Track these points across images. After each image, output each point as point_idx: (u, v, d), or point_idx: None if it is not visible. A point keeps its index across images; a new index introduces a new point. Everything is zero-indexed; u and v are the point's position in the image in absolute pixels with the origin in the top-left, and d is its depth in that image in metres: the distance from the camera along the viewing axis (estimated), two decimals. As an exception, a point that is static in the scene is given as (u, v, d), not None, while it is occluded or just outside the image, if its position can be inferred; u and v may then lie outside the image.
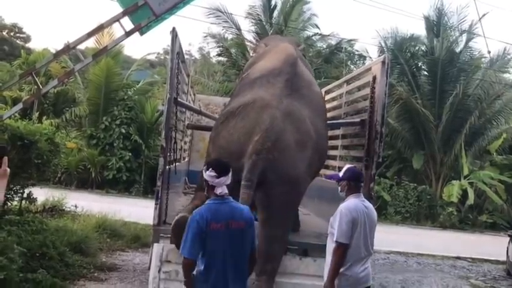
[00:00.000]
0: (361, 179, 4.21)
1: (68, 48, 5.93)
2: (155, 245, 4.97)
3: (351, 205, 4.01)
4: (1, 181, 2.79)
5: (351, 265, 3.95)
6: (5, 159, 2.85)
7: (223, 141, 4.83)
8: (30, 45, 37.64)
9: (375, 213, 4.18)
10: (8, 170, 2.88)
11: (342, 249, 3.92)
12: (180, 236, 4.08)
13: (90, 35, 5.71)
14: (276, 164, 4.48)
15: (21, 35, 41.36)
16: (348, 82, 7.07)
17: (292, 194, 4.74)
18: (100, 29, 5.83)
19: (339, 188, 4.21)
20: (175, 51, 5.25)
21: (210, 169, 3.36)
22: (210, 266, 3.31)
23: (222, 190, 3.36)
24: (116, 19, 5.69)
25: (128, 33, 5.75)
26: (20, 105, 6.10)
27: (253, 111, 4.74)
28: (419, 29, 32.58)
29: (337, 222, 3.96)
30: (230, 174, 3.39)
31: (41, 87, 6.11)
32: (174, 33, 5.13)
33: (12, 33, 40.46)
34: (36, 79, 5.89)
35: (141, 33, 5.93)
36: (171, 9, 5.74)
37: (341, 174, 4.20)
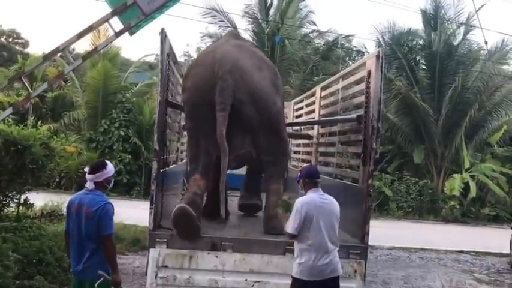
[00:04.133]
0: (316, 175, 4.41)
1: (58, 50, 5.86)
2: (151, 250, 4.92)
3: (305, 199, 4.26)
4: None
5: (315, 258, 4.09)
6: None
7: (189, 91, 5.47)
8: (28, 50, 37.56)
9: (335, 206, 4.32)
10: None
11: (291, 239, 4.32)
12: (181, 226, 4.90)
13: (79, 36, 5.64)
14: (243, 82, 5.17)
15: (19, 41, 41.29)
16: (343, 78, 6.99)
17: (266, 111, 5.40)
18: (89, 29, 5.75)
19: (299, 187, 4.49)
20: (166, 52, 5.18)
21: (86, 167, 4.25)
22: (71, 241, 4.15)
23: (87, 185, 4.13)
24: (105, 19, 5.62)
25: (118, 34, 5.68)
26: (10, 110, 6.05)
27: (206, 57, 5.59)
28: (417, 23, 32.40)
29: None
30: (98, 174, 4.09)
31: (31, 90, 6.04)
32: (163, 35, 5.07)
33: (10, 39, 40.39)
34: (26, 83, 5.83)
35: (131, 33, 5.86)
36: (161, 8, 5.67)
37: (298, 174, 4.50)
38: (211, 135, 5.23)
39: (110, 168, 4.21)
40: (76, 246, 4.10)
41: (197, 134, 5.53)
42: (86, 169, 4.17)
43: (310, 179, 4.35)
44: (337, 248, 4.26)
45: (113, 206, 4.12)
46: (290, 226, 4.19)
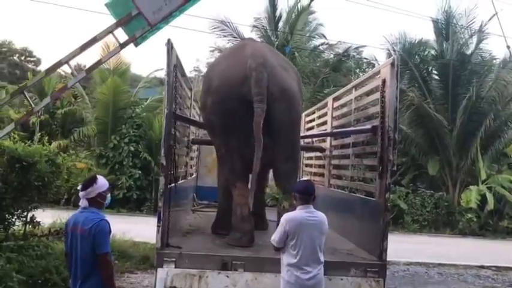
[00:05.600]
0: (308, 192, 4.34)
1: (61, 63, 5.73)
2: (159, 270, 4.69)
3: (290, 215, 4.30)
4: None
5: (297, 274, 4.13)
6: None
7: (218, 85, 5.35)
8: (40, 68, 37.95)
9: (323, 224, 4.31)
10: None
11: (275, 251, 4.41)
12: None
13: (83, 48, 5.51)
14: (274, 78, 5.12)
15: (31, 59, 41.79)
16: (356, 88, 6.77)
17: (292, 110, 5.39)
18: (93, 41, 5.61)
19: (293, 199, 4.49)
20: (172, 63, 5.00)
21: (79, 185, 4.05)
22: (70, 263, 3.98)
23: (81, 202, 3.96)
24: (109, 31, 5.49)
25: (123, 45, 5.55)
26: (12, 125, 5.92)
27: (235, 52, 5.70)
28: (428, 33, 32.17)
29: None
30: (89, 189, 3.91)
31: (33, 105, 5.93)
32: (169, 45, 4.89)
33: (22, 58, 40.91)
34: (28, 97, 5.70)
35: (136, 45, 5.73)
36: (167, 18, 5.52)
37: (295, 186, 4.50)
38: (242, 133, 5.11)
39: (102, 182, 3.99)
40: (73, 268, 3.89)
41: (226, 133, 5.34)
42: (79, 187, 3.99)
43: (302, 195, 4.33)
44: (322, 265, 4.27)
45: (108, 223, 3.89)
46: (275, 239, 4.32)
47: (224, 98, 5.22)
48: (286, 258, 4.22)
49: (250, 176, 5.32)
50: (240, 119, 5.12)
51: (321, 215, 4.33)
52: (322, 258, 4.25)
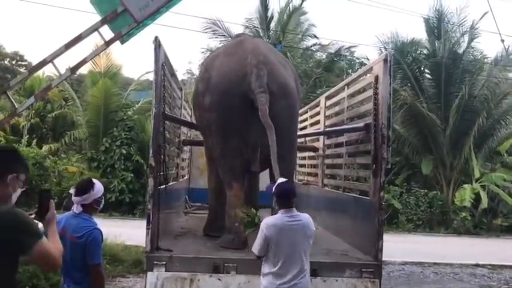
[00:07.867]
0: (288, 196, 4.04)
1: (45, 62, 5.58)
2: (149, 273, 4.58)
3: (270, 221, 4.01)
4: (52, 226, 2.69)
5: (278, 283, 3.86)
6: (52, 202, 2.79)
7: (216, 80, 5.30)
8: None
9: (307, 228, 4.00)
10: (55, 213, 2.77)
11: (257, 259, 4.07)
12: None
13: (67, 46, 5.39)
14: (273, 75, 5.13)
15: (22, 63, 41.44)
16: (348, 85, 6.68)
17: (290, 107, 5.36)
18: (78, 39, 5.47)
19: (273, 202, 4.20)
20: (160, 61, 4.88)
21: (72, 187, 3.77)
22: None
23: (75, 208, 3.65)
24: (95, 28, 5.37)
25: (108, 43, 5.43)
26: (-5, 127, 5.77)
27: (235, 48, 5.64)
28: (420, 33, 32.21)
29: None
30: (86, 195, 3.62)
31: (16, 105, 5.78)
32: (157, 43, 4.77)
33: (13, 62, 40.55)
34: (11, 98, 5.56)
35: (122, 42, 5.61)
36: (153, 15, 5.41)
37: (273, 188, 4.14)
38: (241, 131, 5.10)
39: (99, 187, 3.72)
40: (62, 272, 3.69)
41: (224, 131, 5.22)
42: (72, 191, 3.69)
43: (281, 199, 4.03)
44: (305, 273, 3.97)
45: (101, 232, 3.65)
46: (255, 247, 4.02)
47: (224, 94, 5.15)
48: (266, 267, 3.98)
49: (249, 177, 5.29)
50: (239, 117, 5.09)
51: (304, 218, 4.03)
52: (306, 265, 3.97)
